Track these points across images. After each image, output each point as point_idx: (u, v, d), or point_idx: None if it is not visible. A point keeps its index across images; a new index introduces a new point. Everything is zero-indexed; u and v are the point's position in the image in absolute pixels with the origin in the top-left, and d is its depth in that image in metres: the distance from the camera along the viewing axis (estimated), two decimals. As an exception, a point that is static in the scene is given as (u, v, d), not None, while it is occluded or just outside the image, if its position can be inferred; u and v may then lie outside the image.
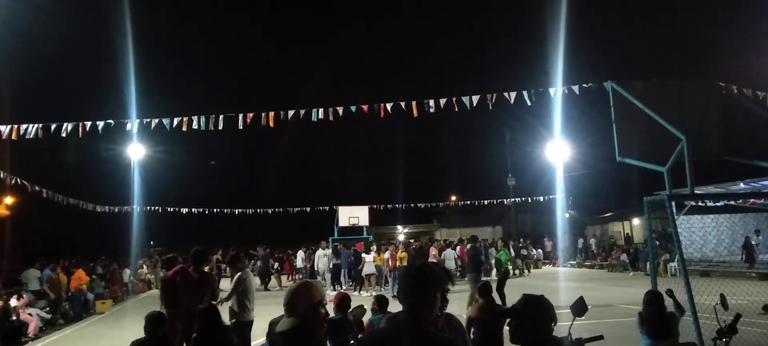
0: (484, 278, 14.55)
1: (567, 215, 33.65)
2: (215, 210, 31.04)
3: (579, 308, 4.27)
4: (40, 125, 11.87)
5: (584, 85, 11.45)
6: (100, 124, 12.14)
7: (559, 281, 21.51)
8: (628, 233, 33.37)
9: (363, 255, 20.22)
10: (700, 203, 18.00)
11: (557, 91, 12.05)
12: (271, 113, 12.14)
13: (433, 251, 21.97)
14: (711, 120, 9.50)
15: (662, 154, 9.07)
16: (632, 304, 14.23)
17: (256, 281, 16.72)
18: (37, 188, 18.33)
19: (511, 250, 24.77)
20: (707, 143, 9.23)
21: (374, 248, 20.71)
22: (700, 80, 10.40)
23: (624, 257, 25.29)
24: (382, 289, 18.73)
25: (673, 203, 9.10)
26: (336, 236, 26.06)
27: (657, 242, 20.91)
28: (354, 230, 26.77)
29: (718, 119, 9.58)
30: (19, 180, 16.92)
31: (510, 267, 18.59)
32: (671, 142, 8.86)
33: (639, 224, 30.71)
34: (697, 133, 9.00)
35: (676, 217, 9.51)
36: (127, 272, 22.98)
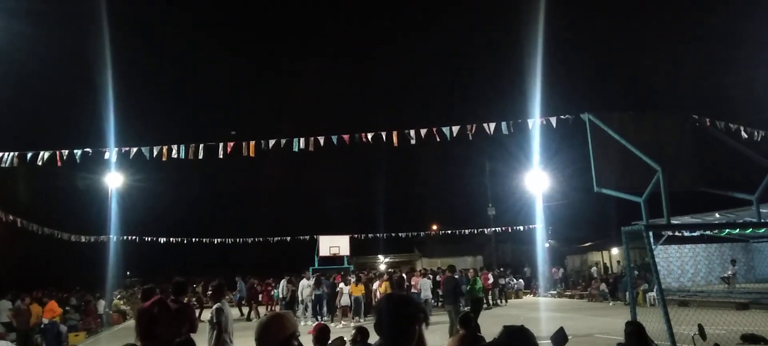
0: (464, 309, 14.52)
1: (547, 245, 33.85)
2: (194, 239, 30.67)
3: (559, 339, 4.28)
4: (16, 153, 11.69)
5: (561, 116, 11.65)
6: (78, 152, 12.00)
7: (540, 312, 21.52)
8: (606, 263, 33.63)
9: (340, 285, 20.08)
10: (677, 233, 18.30)
11: (535, 122, 12.24)
12: (252, 143, 12.13)
13: (413, 280, 21.89)
14: (686, 151, 9.71)
15: (639, 185, 9.22)
16: (612, 334, 14.27)
17: (234, 312, 16.47)
18: (11, 216, 17.97)
19: (490, 278, 24.80)
20: (683, 174, 9.42)
21: (352, 278, 20.59)
22: (674, 112, 10.64)
23: (603, 286, 25.43)
24: (361, 320, 18.55)
25: (651, 233, 9.22)
26: (316, 266, 25.86)
27: (636, 272, 21.07)
28: (335, 259, 26.61)
29: (693, 150, 9.80)
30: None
31: (482, 296, 18.55)
32: (648, 173, 9.02)
33: (618, 254, 30.99)
34: (672, 164, 9.18)
35: (653, 246, 9.63)
36: (102, 303, 22.48)
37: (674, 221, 11.69)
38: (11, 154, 11.76)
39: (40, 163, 11.99)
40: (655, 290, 15.91)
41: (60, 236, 23.55)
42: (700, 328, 5.66)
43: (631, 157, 9.22)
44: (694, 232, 19.45)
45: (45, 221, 22.19)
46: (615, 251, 31.43)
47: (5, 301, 16.42)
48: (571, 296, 28.35)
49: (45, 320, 15.90)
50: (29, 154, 11.79)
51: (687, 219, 17.10)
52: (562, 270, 32.31)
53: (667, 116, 10.22)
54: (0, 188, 19.86)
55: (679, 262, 22.51)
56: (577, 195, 31.86)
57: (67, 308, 18.90)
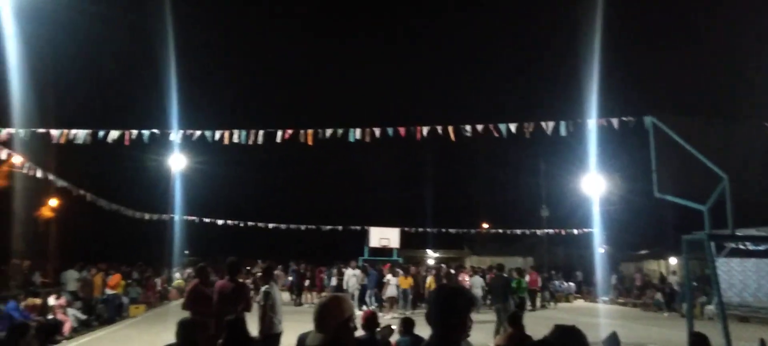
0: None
1: (601, 250, 32.99)
2: (249, 223, 31.45)
3: (611, 343, 4.23)
4: (89, 131, 12.33)
5: (623, 118, 11.35)
6: (146, 133, 12.55)
7: (591, 317, 21.02)
8: (663, 272, 32.51)
9: (387, 277, 20.18)
10: (740, 246, 17.49)
11: (595, 123, 11.96)
12: (310, 131, 12.36)
13: (460, 277, 21.82)
14: (756, 161, 9.28)
15: (702, 193, 8.89)
16: (667, 345, 13.86)
17: (284, 295, 16.86)
18: (81, 191, 18.93)
19: (539, 280, 24.44)
20: (750, 184, 9.01)
21: (400, 271, 20.65)
22: (745, 119, 10.20)
23: (659, 296, 24.62)
24: (408, 312, 18.65)
25: (713, 244, 8.88)
26: (366, 257, 26.08)
27: (694, 283, 20.30)
28: (384, 251, 26.78)
29: (764, 160, 9.36)
30: (64, 183, 17.52)
31: (524, 296, 18.31)
32: (712, 181, 8.68)
33: (675, 263, 29.89)
34: (740, 172, 8.80)
35: (715, 258, 9.28)
36: (158, 280, 23.44)
37: (739, 233, 11.18)
38: (84, 132, 12.42)
39: (110, 142, 12.62)
40: (713, 303, 15.32)
41: (125, 212, 24.65)
42: (763, 342, 5.43)
43: (695, 163, 8.89)
44: (760, 245, 18.57)
45: (112, 198, 23.30)
46: (672, 260, 30.35)
47: (73, 271, 17.42)
48: (624, 304, 27.60)
49: (108, 291, 16.75)
50: (100, 133, 12.42)
51: (752, 231, 16.34)
52: (615, 276, 31.46)
53: (738, 123, 9.81)
54: (72, 163, 20.91)
55: (741, 276, 21.48)
56: (634, 200, 30.87)
57: (129, 281, 19.81)
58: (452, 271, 24.05)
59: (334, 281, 22.42)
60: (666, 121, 9.32)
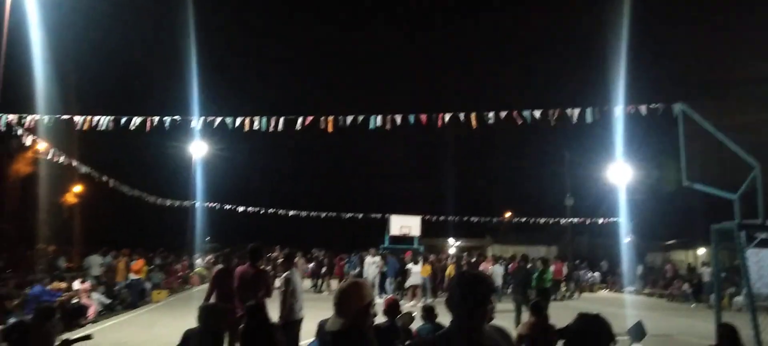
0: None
1: (627, 240, 32.50)
2: (269, 210, 31.64)
3: (637, 332, 4.10)
4: (112, 118, 12.44)
5: (651, 105, 11.06)
6: (167, 120, 12.62)
7: (616, 307, 20.75)
8: (691, 263, 31.95)
9: (409, 265, 20.10)
10: (772, 236, 17.04)
11: (622, 110, 11.68)
12: (330, 118, 12.30)
13: (482, 266, 21.67)
14: (789, 149, 8.99)
15: (733, 181, 8.64)
16: (694, 336, 13.58)
17: (305, 282, 16.92)
18: (104, 177, 19.19)
19: (565, 269, 24.18)
20: (783, 173, 8.73)
21: (421, 259, 20.54)
22: (778, 106, 9.88)
23: (686, 287, 24.20)
24: (429, 301, 18.58)
25: (743, 234, 8.63)
26: (387, 245, 26.06)
27: (723, 274, 19.85)
28: (405, 239, 26.71)
29: (797, 148, 9.06)
30: (87, 169, 17.77)
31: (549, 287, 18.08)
32: (744, 170, 8.43)
33: (704, 254, 29.33)
34: (772, 161, 8.53)
35: (745, 248, 9.02)
36: (178, 266, 23.74)
37: (770, 223, 10.88)
38: (107, 118, 12.54)
39: (132, 129, 12.73)
40: (743, 294, 14.96)
41: (146, 198, 24.97)
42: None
43: (726, 151, 8.65)
44: (792, 236, 18.06)
45: (134, 184, 23.62)
46: (701, 250, 29.81)
47: (96, 256, 17.70)
48: (650, 295, 27.21)
49: (132, 276, 16.98)
50: (123, 120, 12.52)
51: (785, 222, 15.90)
52: (641, 267, 31.00)
53: (770, 110, 9.51)
54: (95, 150, 21.24)
55: (772, 267, 21.00)
56: (662, 189, 30.32)
57: (151, 266, 20.09)
58: (473, 259, 23.91)
59: (357, 269, 22.45)
60: (696, 108, 9.08)
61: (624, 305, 21.59)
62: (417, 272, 19.58)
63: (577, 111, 11.65)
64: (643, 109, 11.12)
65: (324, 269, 23.79)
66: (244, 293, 7.31)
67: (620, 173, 29.88)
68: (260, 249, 8.20)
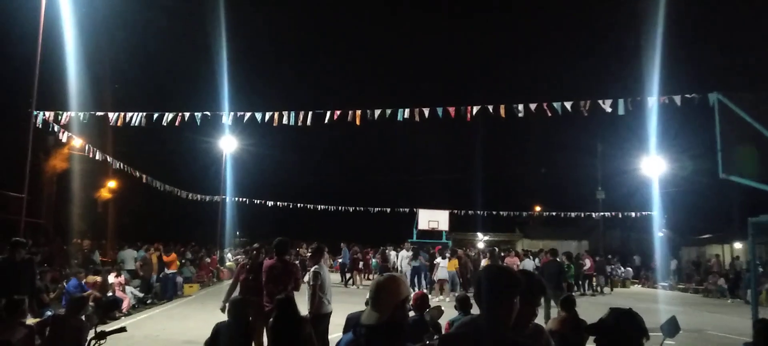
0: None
1: (661, 234, 31.85)
2: (298, 205, 31.89)
3: (671, 328, 4.00)
4: (144, 114, 12.68)
5: (686, 96, 10.78)
6: (198, 115, 12.80)
7: (649, 302, 20.38)
8: (732, 256, 31.15)
9: (437, 260, 20.02)
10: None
11: (656, 100, 11.41)
12: (358, 111, 12.31)
13: (508, 260, 21.44)
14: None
15: (772, 174, 8.39)
16: (729, 333, 13.24)
17: (335, 277, 17.00)
18: (137, 173, 19.59)
19: (587, 262, 23.83)
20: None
21: (448, 253, 20.46)
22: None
23: (722, 282, 23.61)
24: (456, 294, 18.49)
25: (783, 227, 8.38)
26: (414, 239, 26.04)
27: (760, 269, 19.33)
28: (433, 233, 26.65)
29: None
30: (121, 165, 18.15)
31: (571, 282, 17.85)
32: (783, 161, 8.18)
33: (740, 248, 28.56)
34: (814, 152, 8.25)
35: (785, 242, 8.77)
36: (208, 260, 24.08)
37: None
38: (140, 114, 12.79)
39: (164, 125, 12.95)
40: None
41: (178, 193, 25.40)
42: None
43: (764, 142, 8.40)
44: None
45: (166, 179, 24.06)
46: (737, 245, 29.01)
47: (130, 250, 18.06)
48: (684, 290, 26.64)
49: (169, 271, 17.29)
50: (155, 115, 12.75)
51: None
52: (675, 261, 30.37)
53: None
54: (128, 146, 21.68)
55: (812, 261, 20.37)
56: (698, 182, 29.57)
57: (183, 260, 20.43)
58: (502, 253, 23.71)
59: (390, 261, 22.50)
60: (733, 98, 8.82)
61: (657, 301, 21.17)
62: (443, 266, 19.52)
63: (609, 102, 11.44)
64: (677, 99, 10.86)
65: (357, 263, 23.88)
66: (272, 287, 7.37)
67: (654, 166, 29.26)
68: (287, 242, 8.24)
